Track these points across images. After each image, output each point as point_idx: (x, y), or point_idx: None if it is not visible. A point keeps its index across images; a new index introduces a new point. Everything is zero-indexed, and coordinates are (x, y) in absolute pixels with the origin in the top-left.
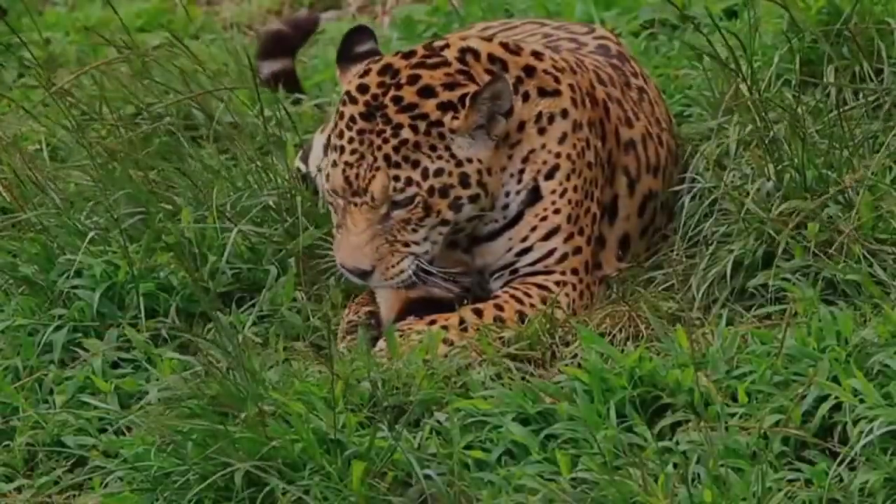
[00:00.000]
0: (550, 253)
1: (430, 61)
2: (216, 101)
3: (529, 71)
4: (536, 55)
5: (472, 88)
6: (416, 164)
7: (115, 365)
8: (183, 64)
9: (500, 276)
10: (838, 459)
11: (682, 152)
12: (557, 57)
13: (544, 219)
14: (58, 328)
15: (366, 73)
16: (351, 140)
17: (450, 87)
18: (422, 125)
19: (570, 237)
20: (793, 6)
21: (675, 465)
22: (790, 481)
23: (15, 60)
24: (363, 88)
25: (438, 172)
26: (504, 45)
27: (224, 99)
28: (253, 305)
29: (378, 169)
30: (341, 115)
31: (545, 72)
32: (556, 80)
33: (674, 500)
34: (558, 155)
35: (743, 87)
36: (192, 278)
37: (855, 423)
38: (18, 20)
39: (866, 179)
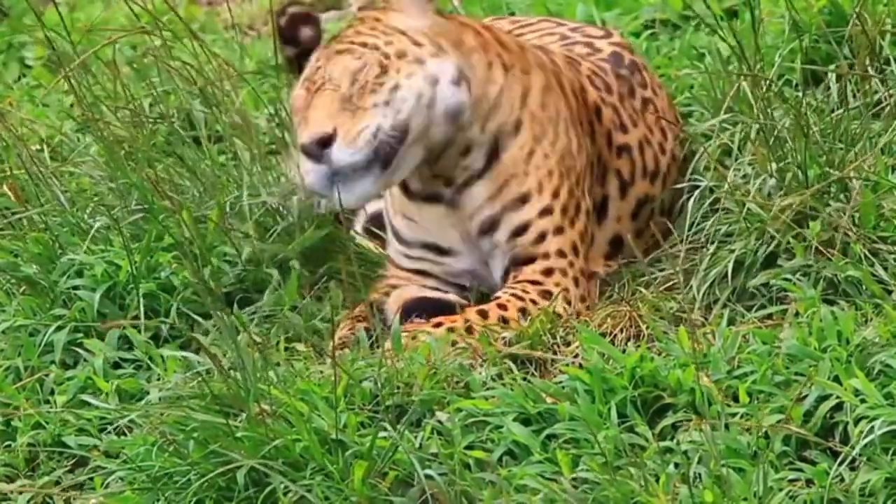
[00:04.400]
0: (525, 227)
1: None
2: (218, 101)
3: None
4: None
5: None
6: (363, 44)
7: (116, 365)
8: (183, 64)
9: (496, 246)
10: (839, 459)
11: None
12: (542, 55)
13: (512, 175)
14: (59, 328)
15: None
16: (317, 59)
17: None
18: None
19: (546, 212)
20: (794, 5)
21: (676, 465)
22: (791, 481)
23: (16, 61)
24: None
25: (388, 43)
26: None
27: (229, 96)
28: (255, 307)
29: (338, 57)
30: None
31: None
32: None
33: (675, 500)
34: (522, 112)
35: (745, 86)
36: (199, 276)
37: (856, 422)
38: (19, 20)
39: (864, 171)
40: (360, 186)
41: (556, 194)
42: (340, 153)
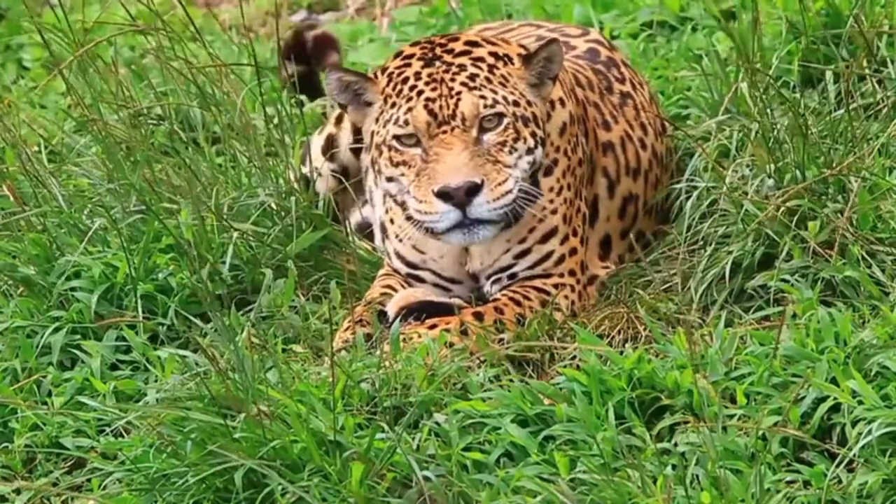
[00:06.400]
0: (548, 256)
1: (451, 41)
2: (217, 102)
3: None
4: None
5: (511, 49)
6: (494, 91)
7: (113, 367)
8: (181, 65)
9: (498, 279)
10: (837, 460)
11: (677, 158)
12: None
13: (541, 220)
14: (56, 330)
15: (401, 52)
16: (427, 83)
17: (492, 43)
18: (483, 65)
19: (566, 239)
20: (792, 7)
21: (673, 467)
22: (789, 482)
23: (14, 62)
24: (409, 56)
25: (516, 103)
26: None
27: (228, 97)
28: (251, 308)
29: (460, 93)
30: (404, 79)
31: None
32: None
33: (672, 501)
34: (558, 149)
35: (744, 87)
36: (199, 276)
37: (853, 424)
38: (18, 21)
39: (861, 169)
40: (482, 234)
41: (570, 219)
42: (484, 207)
